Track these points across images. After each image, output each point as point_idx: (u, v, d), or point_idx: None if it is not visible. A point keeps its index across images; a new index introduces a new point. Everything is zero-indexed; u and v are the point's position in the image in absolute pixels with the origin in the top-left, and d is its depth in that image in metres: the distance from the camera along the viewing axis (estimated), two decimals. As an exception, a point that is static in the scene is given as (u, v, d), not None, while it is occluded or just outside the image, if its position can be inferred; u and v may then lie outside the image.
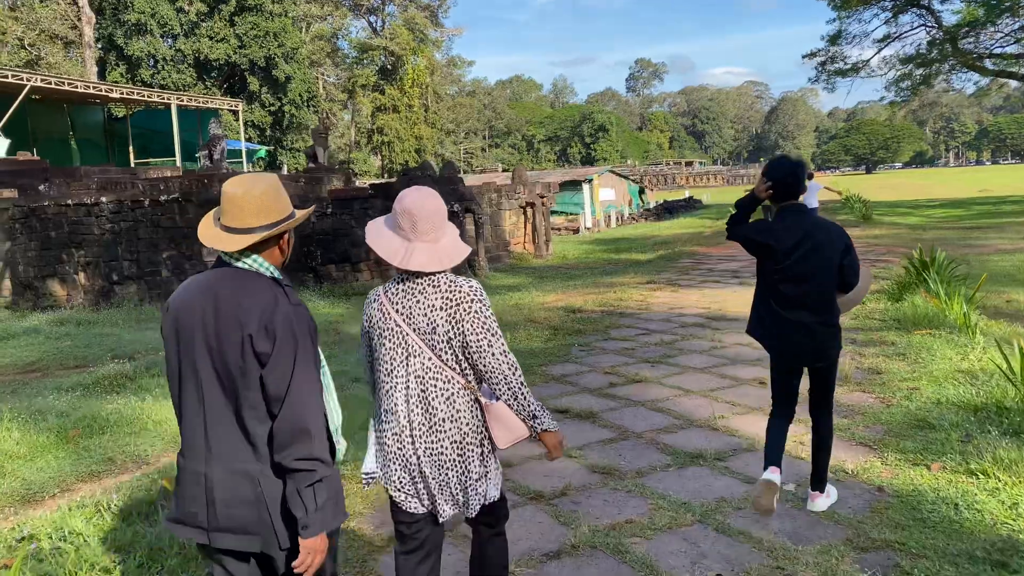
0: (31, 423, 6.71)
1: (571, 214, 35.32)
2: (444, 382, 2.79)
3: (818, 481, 4.29)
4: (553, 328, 9.84)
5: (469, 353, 2.77)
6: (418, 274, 2.77)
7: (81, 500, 4.57)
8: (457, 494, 2.82)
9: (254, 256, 2.44)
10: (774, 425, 4.17)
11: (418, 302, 2.77)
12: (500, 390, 2.79)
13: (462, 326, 2.74)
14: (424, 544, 2.91)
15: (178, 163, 29.59)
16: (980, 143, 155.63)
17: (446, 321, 2.74)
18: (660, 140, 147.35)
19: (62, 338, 12.40)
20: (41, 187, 17.60)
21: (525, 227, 22.94)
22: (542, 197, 22.84)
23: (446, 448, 2.78)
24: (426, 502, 2.84)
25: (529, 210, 22.83)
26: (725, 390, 6.70)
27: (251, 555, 2.45)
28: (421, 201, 2.77)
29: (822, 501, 4.30)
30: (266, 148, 48.04)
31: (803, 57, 36.90)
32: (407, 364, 2.78)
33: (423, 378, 2.78)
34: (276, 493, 2.37)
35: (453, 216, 17.55)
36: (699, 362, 7.81)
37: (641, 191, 48.62)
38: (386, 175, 64.74)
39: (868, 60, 36.94)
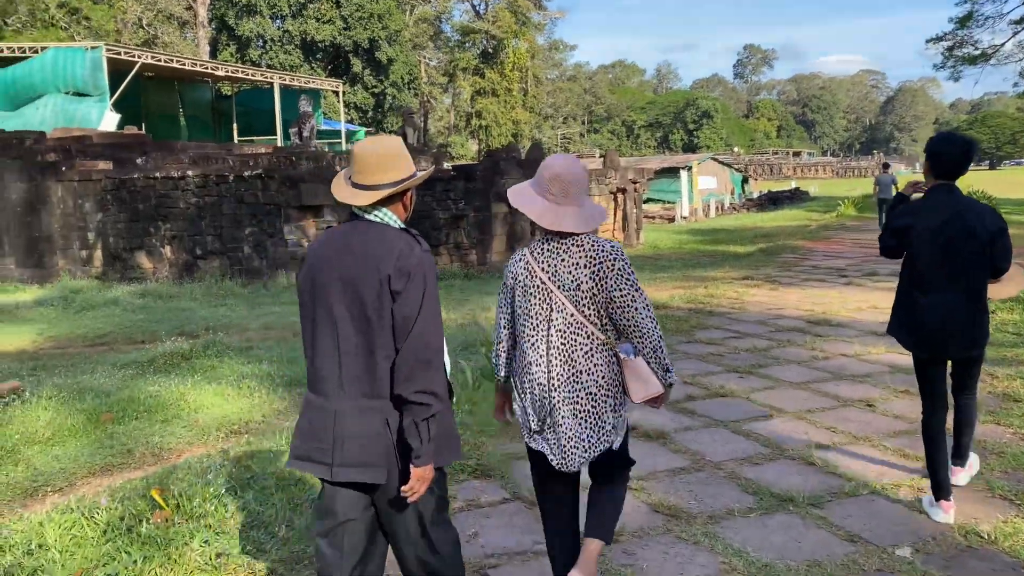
0: (68, 403, 6.36)
1: (668, 202, 33.95)
2: (585, 337, 2.94)
3: (960, 456, 4.22)
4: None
5: (612, 308, 2.92)
6: (561, 235, 2.95)
7: (76, 501, 4.07)
8: (587, 443, 2.95)
9: (383, 210, 2.66)
10: (931, 428, 3.98)
11: (563, 261, 2.94)
12: (641, 344, 2.94)
13: (606, 283, 2.89)
14: (559, 494, 3.13)
15: (279, 142, 29.92)
16: None
17: (590, 278, 2.90)
18: (767, 128, 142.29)
19: (138, 311, 12.32)
20: (139, 160, 17.80)
21: (615, 214, 21.94)
22: (634, 183, 21.78)
23: (582, 399, 2.94)
24: (556, 451, 2.98)
25: (620, 196, 21.81)
26: (825, 412, 5.68)
27: (366, 486, 2.59)
28: (569, 167, 2.99)
29: (963, 476, 4.24)
30: (365, 130, 48.39)
31: (927, 42, 34.25)
32: (550, 319, 2.96)
33: (565, 332, 2.94)
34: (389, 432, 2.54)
35: (539, 200, 16.78)
36: (795, 375, 6.78)
37: (744, 180, 46.53)
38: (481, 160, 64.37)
39: (1001, 45, 33.95)
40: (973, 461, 4.31)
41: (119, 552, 3.50)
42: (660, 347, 2.94)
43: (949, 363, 4.03)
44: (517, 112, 66.56)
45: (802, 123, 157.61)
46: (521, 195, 3.03)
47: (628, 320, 2.91)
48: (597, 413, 2.95)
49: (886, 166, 23.73)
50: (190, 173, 15.90)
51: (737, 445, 5.00)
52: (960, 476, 4.21)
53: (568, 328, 2.93)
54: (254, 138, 33.08)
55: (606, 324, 2.96)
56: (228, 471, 4.43)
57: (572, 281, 2.91)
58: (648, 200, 31.80)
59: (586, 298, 2.91)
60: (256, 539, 3.70)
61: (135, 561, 3.40)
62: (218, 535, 3.68)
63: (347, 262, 2.59)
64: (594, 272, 2.89)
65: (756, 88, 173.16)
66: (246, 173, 15.45)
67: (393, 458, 2.54)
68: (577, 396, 2.93)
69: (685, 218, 31.95)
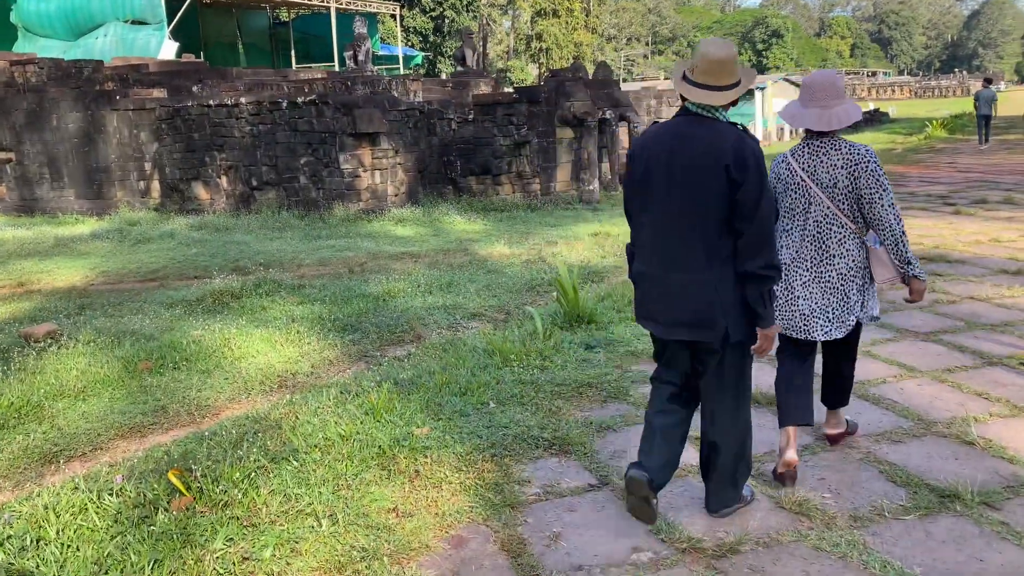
0: (105, 349, 5.84)
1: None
2: (838, 227, 3.43)
3: None
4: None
5: (862, 204, 3.36)
6: (822, 137, 3.40)
7: (87, 479, 3.48)
8: (832, 314, 3.46)
9: (722, 112, 2.94)
10: None
11: (821, 161, 3.40)
12: (884, 236, 3.37)
13: (858, 181, 3.33)
14: (802, 358, 3.58)
15: (336, 67, 29.11)
16: None
17: (846, 177, 3.35)
18: (841, 48, 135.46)
19: (192, 245, 11.86)
20: (194, 88, 17.25)
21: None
22: (709, 106, 20.39)
23: (832, 278, 3.45)
24: (801, 325, 3.50)
25: (693, 120, 20.50)
26: (968, 372, 4.73)
27: (695, 344, 2.99)
28: (815, 76, 3.49)
29: None
30: (424, 54, 47.14)
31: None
32: (807, 211, 3.45)
33: (820, 223, 3.44)
34: (728, 297, 2.89)
35: (604, 123, 15.70)
36: (921, 323, 5.82)
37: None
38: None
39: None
40: None
41: (127, 551, 2.88)
42: (901, 241, 3.34)
43: None
44: (579, 34, 64.13)
45: (878, 41, 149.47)
46: (793, 115, 3.46)
47: (874, 215, 3.35)
48: (844, 289, 3.45)
49: (988, 81, 23.34)
50: (243, 100, 15.23)
51: (870, 416, 4.10)
52: None
53: (824, 220, 3.42)
54: (312, 64, 32.34)
55: (857, 217, 3.41)
56: (263, 442, 3.79)
57: (829, 179, 3.38)
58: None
59: (841, 194, 3.37)
60: (292, 535, 3.04)
61: (142, 568, 2.78)
62: (246, 529, 3.03)
63: (687, 151, 2.88)
64: (850, 172, 3.34)
65: (830, 4, 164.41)
66: (300, 99, 14.71)
67: (721, 323, 2.89)
68: (828, 275, 3.45)
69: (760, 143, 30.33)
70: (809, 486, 3.39)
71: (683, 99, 2.94)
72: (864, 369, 4.83)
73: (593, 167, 15.43)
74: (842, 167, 3.33)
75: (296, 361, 5.68)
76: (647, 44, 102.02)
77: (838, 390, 3.75)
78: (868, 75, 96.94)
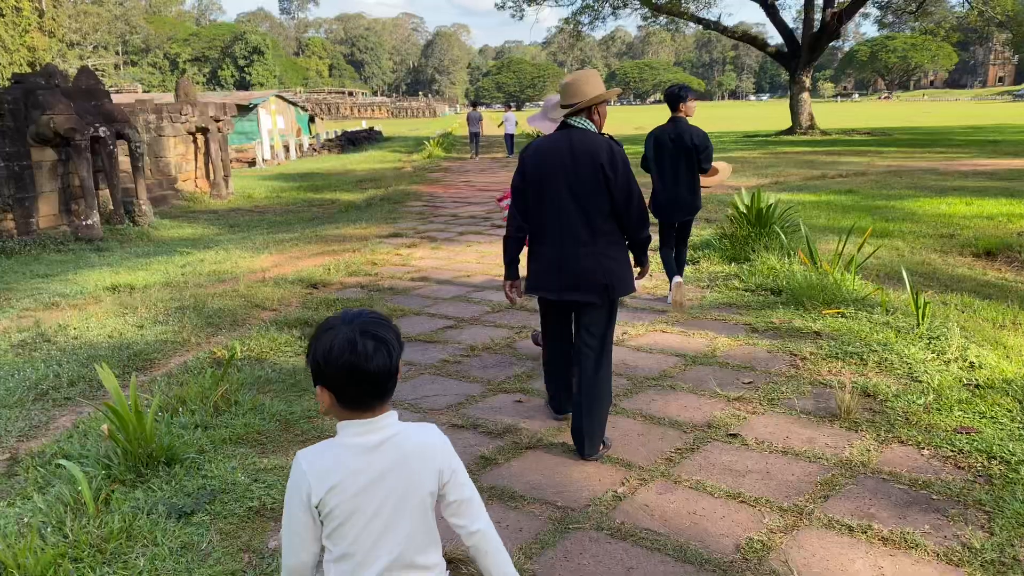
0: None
1: (241, 145, 30.17)
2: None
3: None
4: (304, 322, 6.35)
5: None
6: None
7: None
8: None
9: (585, 120, 3.80)
10: None
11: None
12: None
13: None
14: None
15: None
16: (609, 84, 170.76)
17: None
18: (319, 67, 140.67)
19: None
20: None
21: (196, 159, 18.15)
22: (217, 121, 18.17)
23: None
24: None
25: (201, 137, 18.06)
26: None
27: (579, 304, 3.83)
28: (550, 98, 4.45)
29: None
30: None
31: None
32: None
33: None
34: (609, 265, 3.75)
35: (98, 142, 12.64)
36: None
37: (311, 119, 44.11)
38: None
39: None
40: None
41: None
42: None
43: None
44: (32, 36, 54.89)
45: (352, 63, 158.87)
46: (537, 122, 4.40)
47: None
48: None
49: (475, 104, 27.45)
50: None
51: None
52: None
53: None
54: None
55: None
56: None
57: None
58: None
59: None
60: None
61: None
62: None
63: (567, 155, 3.73)
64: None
65: (304, 25, 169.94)
66: None
67: (604, 285, 3.74)
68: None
69: (266, 161, 28.68)
70: None
71: (561, 120, 3.87)
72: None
73: (90, 196, 12.26)
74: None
75: None
76: (118, 53, 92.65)
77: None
78: (348, 94, 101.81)
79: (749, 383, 4.83)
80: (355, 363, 1.65)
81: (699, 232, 9.88)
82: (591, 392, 3.78)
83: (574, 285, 3.71)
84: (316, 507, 1.69)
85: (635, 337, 5.85)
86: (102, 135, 12.61)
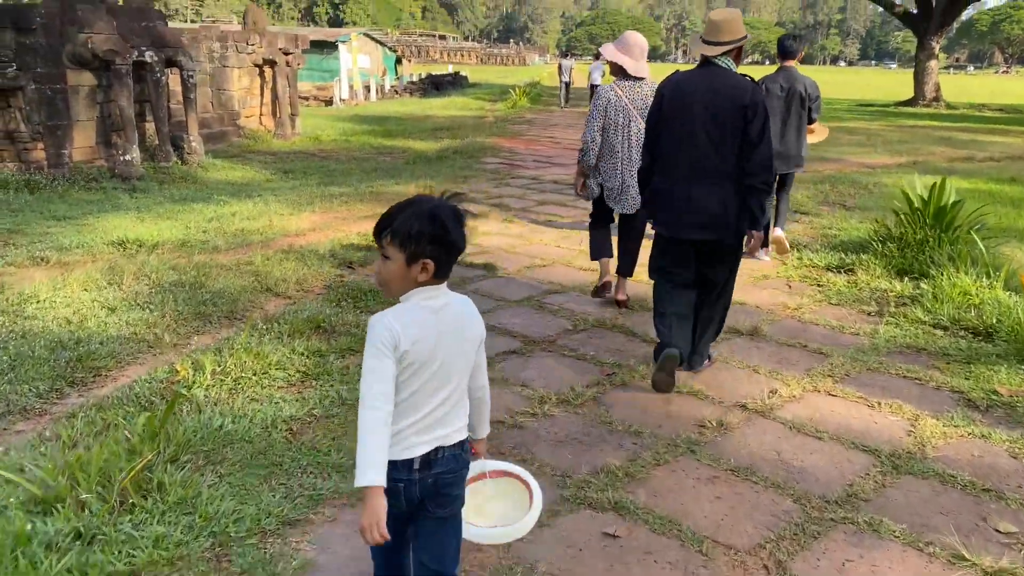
0: None
1: (324, 83, 28.76)
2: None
3: None
4: (316, 327, 4.68)
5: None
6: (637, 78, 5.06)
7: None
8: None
9: (730, 60, 3.78)
10: None
11: (638, 92, 5.03)
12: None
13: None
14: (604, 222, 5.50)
15: None
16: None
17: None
18: (413, 9, 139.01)
19: None
20: None
21: (263, 94, 16.73)
22: (287, 54, 16.66)
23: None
24: (627, 205, 5.28)
25: (268, 70, 16.61)
26: None
27: (704, 243, 3.82)
28: (637, 39, 5.06)
29: None
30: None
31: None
32: (628, 127, 5.04)
33: (640, 135, 4.95)
34: (734, 205, 3.70)
35: (144, 68, 11.24)
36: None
37: (398, 61, 42.47)
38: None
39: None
40: None
41: None
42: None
43: None
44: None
45: (445, 6, 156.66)
46: (624, 61, 4.96)
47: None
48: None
49: (566, 53, 25.45)
50: None
51: None
52: None
53: (639, 132, 4.93)
54: None
55: None
56: None
57: (643, 104, 4.95)
58: (299, 79, 26.43)
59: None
60: None
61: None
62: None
63: (709, 92, 3.69)
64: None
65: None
66: None
67: (731, 225, 3.72)
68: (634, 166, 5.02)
69: (344, 101, 27.22)
70: None
71: (702, 56, 3.85)
72: None
73: (129, 128, 10.91)
74: (652, 96, 4.60)
75: None
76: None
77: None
78: (440, 38, 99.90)
79: (1013, 535, 2.85)
80: (462, 234, 1.81)
81: (842, 224, 7.85)
82: (708, 318, 4.05)
83: (703, 224, 3.74)
84: (400, 358, 1.77)
85: (789, 402, 3.93)
86: (148, 60, 11.19)
